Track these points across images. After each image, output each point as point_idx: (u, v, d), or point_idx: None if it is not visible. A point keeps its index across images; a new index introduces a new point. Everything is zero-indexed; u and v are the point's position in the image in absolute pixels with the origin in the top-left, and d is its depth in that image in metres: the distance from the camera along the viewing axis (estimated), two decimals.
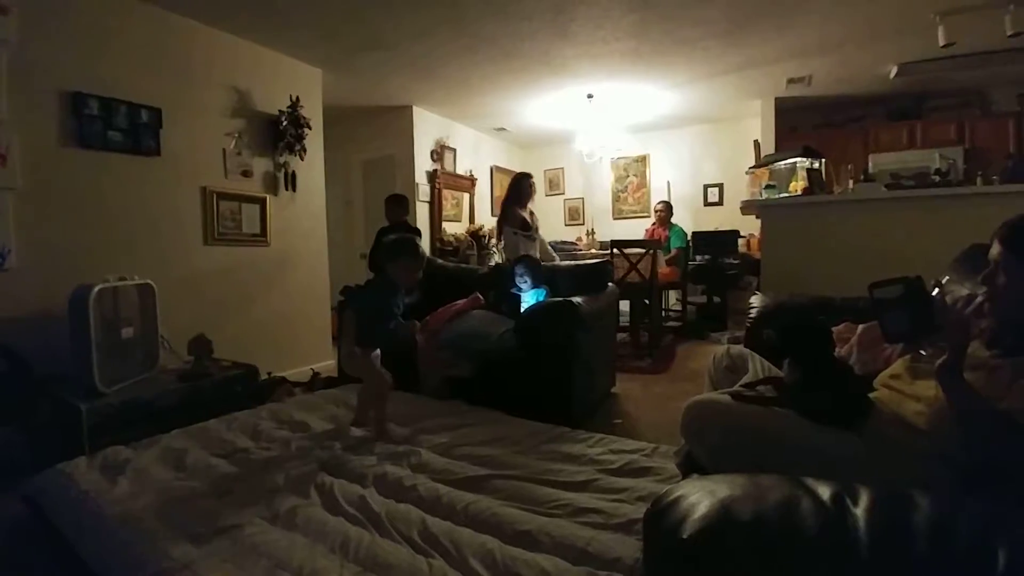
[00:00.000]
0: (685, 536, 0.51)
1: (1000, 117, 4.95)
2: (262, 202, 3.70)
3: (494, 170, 6.84)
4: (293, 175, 3.89)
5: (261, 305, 3.71)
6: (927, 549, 0.47)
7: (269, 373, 3.19)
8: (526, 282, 3.03)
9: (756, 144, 5.32)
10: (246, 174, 3.60)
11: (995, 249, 1.10)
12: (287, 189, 3.87)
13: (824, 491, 0.54)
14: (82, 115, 2.73)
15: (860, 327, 1.63)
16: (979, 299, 1.17)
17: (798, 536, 0.51)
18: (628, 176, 6.98)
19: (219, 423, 2.14)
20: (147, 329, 2.62)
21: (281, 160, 3.82)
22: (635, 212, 6.90)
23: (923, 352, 1.20)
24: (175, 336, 2.79)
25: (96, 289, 2.26)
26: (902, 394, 1.21)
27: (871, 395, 1.26)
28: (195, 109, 3.30)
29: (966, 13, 3.39)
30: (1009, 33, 3.23)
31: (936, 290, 1.22)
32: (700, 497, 0.55)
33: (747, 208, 3.83)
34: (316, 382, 3.34)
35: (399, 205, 4.11)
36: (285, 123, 3.77)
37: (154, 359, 2.66)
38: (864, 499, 0.53)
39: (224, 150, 3.47)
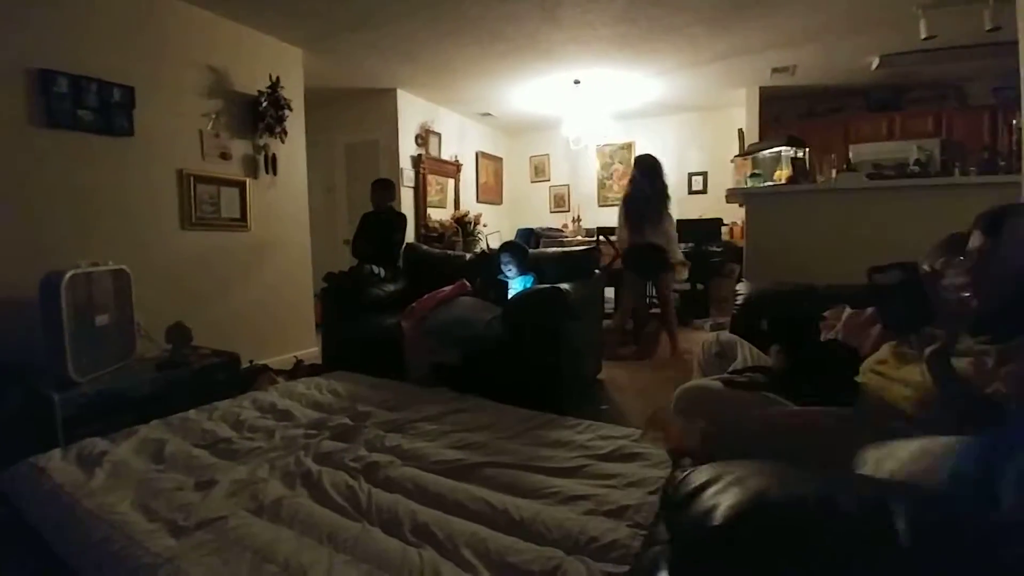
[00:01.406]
0: (718, 523, 0.51)
1: (976, 110, 5.05)
2: (241, 186, 3.60)
3: (479, 156, 6.77)
4: (274, 158, 3.78)
5: (242, 291, 3.63)
6: (975, 555, 0.47)
7: (251, 361, 3.13)
8: (512, 270, 3.01)
9: (740, 133, 5.35)
10: (224, 156, 3.49)
11: (977, 239, 1.11)
12: (268, 172, 3.77)
13: (861, 484, 0.54)
14: (51, 93, 2.60)
15: (846, 313, 1.65)
16: (957, 281, 1.19)
17: (837, 529, 0.50)
18: (613, 163, 6.97)
19: (200, 413, 2.09)
20: (122, 316, 2.54)
21: (261, 142, 3.72)
22: (620, 199, 6.89)
23: (913, 340, 1.22)
24: (152, 324, 2.71)
25: (68, 275, 2.17)
26: (889, 379, 1.23)
27: (858, 379, 1.28)
28: (171, 88, 3.18)
29: (948, 7, 3.43)
30: (988, 28, 3.28)
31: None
32: (727, 485, 0.55)
33: (732, 196, 3.85)
34: (300, 369, 3.29)
35: (385, 190, 4.04)
36: (265, 104, 3.65)
37: (130, 347, 2.58)
38: (906, 494, 0.52)
39: (201, 131, 3.36)
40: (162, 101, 3.11)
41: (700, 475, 0.59)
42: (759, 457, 0.66)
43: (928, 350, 1.04)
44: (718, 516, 0.51)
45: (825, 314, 1.56)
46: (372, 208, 4.07)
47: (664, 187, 3.83)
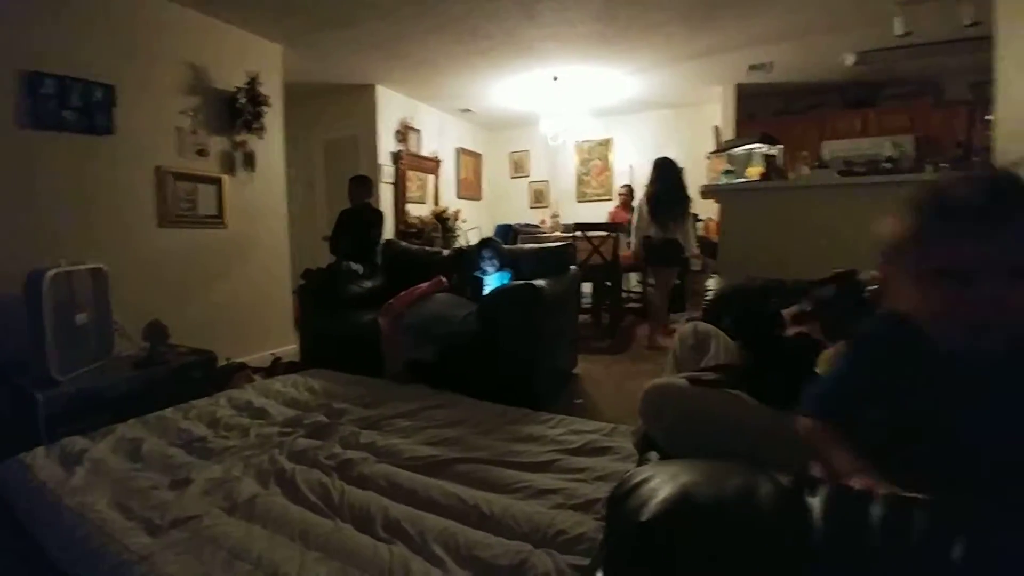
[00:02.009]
0: (644, 519, 0.53)
1: (952, 106, 5.04)
2: (219, 182, 3.57)
3: (459, 152, 6.76)
4: (251, 155, 3.75)
5: (219, 289, 3.61)
6: (881, 539, 0.49)
7: (228, 359, 3.13)
8: (493, 264, 3.04)
9: (716, 130, 5.42)
10: (202, 153, 3.46)
11: None
12: (245, 169, 3.74)
13: (783, 478, 0.57)
14: (37, 94, 2.59)
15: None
16: None
17: (754, 521, 0.53)
18: (592, 159, 7.01)
19: (176, 411, 2.10)
20: (101, 315, 2.52)
21: (239, 139, 3.68)
22: (599, 195, 6.96)
23: None
24: (130, 322, 2.69)
25: (50, 274, 2.16)
26: None
27: (817, 371, 1.33)
28: (149, 86, 3.14)
29: (924, 3, 3.47)
30: (966, 23, 3.31)
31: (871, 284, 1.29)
32: (662, 481, 0.57)
33: (707, 192, 3.91)
34: (277, 367, 3.29)
35: (362, 186, 4.03)
36: (243, 101, 3.62)
37: (109, 346, 2.57)
38: (822, 487, 0.55)
39: (179, 128, 3.32)
40: (141, 99, 3.08)
41: (639, 473, 0.62)
42: (727, 455, 0.69)
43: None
44: (646, 513, 0.53)
45: (783, 312, 1.62)
46: (350, 205, 4.07)
47: (686, 187, 4.20)
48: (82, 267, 2.41)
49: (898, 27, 3.55)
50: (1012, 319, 0.66)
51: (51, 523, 1.37)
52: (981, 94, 4.58)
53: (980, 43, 3.09)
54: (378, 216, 4.07)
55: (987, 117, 3.50)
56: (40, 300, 2.11)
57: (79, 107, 2.77)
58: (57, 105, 2.67)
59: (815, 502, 0.53)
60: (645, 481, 0.61)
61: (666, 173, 4.12)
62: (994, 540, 0.48)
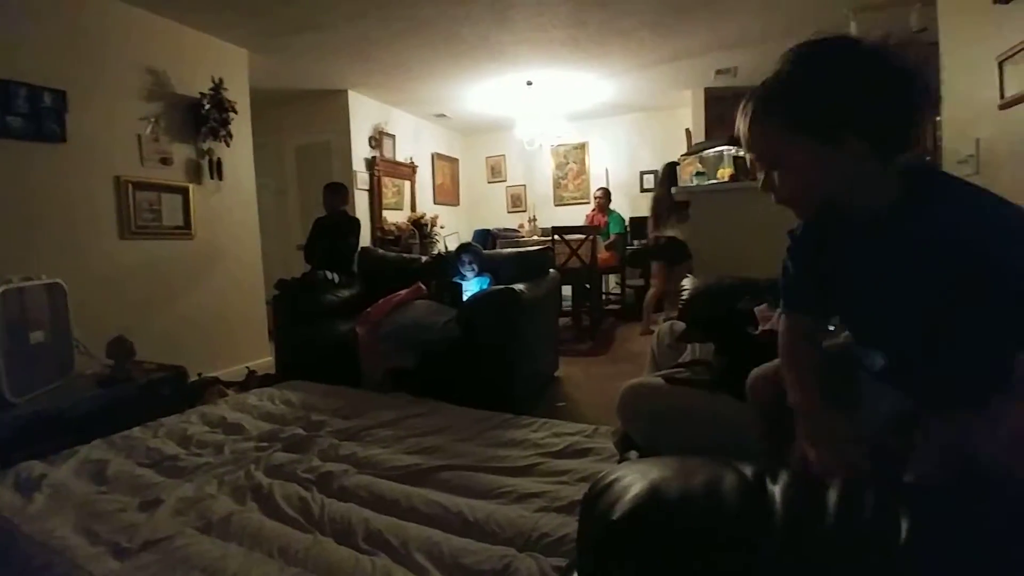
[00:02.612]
0: (615, 518, 0.54)
1: None
2: (184, 192, 3.47)
3: (435, 157, 6.73)
4: (219, 162, 3.66)
5: (188, 302, 3.51)
6: (834, 521, 0.52)
7: (199, 374, 3.03)
8: (472, 270, 3.03)
9: (687, 132, 5.53)
10: (165, 162, 3.36)
11: None
12: (212, 177, 3.65)
13: (748, 469, 0.58)
14: None
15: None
16: None
17: (720, 512, 0.54)
18: (568, 163, 7.07)
19: (144, 430, 2.02)
20: (59, 332, 2.41)
21: (204, 146, 3.59)
22: (575, 199, 7.02)
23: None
24: (93, 339, 2.58)
25: (0, 290, 2.06)
26: None
27: None
28: (105, 92, 3.03)
29: (876, 10, 3.63)
30: (915, 29, 3.47)
31: None
32: (633, 479, 0.58)
33: (680, 194, 3.98)
34: (252, 380, 3.21)
35: (337, 194, 3.98)
36: (208, 107, 3.53)
37: (68, 365, 2.46)
38: (783, 476, 0.57)
39: (139, 136, 3.22)
40: (97, 105, 2.97)
41: (612, 472, 0.62)
42: (703, 450, 0.70)
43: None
44: (617, 511, 0.54)
45: (755, 309, 1.65)
46: (325, 212, 4.01)
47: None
48: (36, 282, 2.31)
49: (853, 32, 3.69)
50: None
51: (6, 553, 1.29)
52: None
53: (927, 48, 3.24)
54: (355, 224, 4.02)
55: (937, 118, 3.68)
56: None
57: (25, 113, 2.65)
58: (0, 111, 2.55)
59: (776, 489, 0.55)
60: (617, 480, 0.61)
61: (672, 177, 4.26)
62: (937, 521, 0.51)
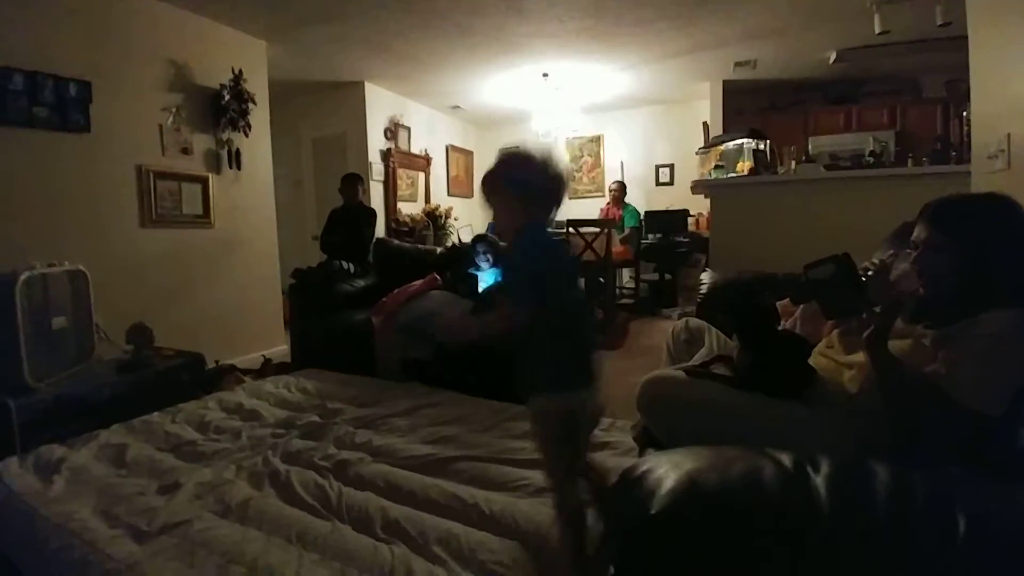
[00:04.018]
0: (654, 511, 0.52)
1: (929, 103, 5.21)
2: (204, 181, 3.50)
3: (449, 149, 6.72)
4: (237, 153, 3.69)
5: (206, 290, 3.54)
6: (886, 512, 0.49)
7: (217, 361, 3.06)
8: (487, 260, 3.01)
9: (705, 125, 5.45)
10: (186, 152, 3.39)
11: (922, 230, 1.15)
12: (231, 168, 3.67)
13: (786, 459, 0.56)
14: (6, 90, 2.50)
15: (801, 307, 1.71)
16: (904, 270, 1.25)
17: (762, 503, 0.52)
18: (583, 156, 7.01)
19: (163, 415, 2.04)
20: (80, 318, 2.45)
21: (224, 137, 3.61)
22: (590, 192, 6.96)
23: (854, 324, 1.28)
24: (113, 325, 2.62)
25: (23, 277, 2.08)
26: (836, 363, 1.29)
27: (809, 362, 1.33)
28: (128, 83, 3.06)
29: (900, 3, 3.54)
30: (939, 23, 3.39)
31: (870, 268, 1.30)
32: (667, 471, 0.56)
33: (697, 188, 3.93)
34: (268, 368, 3.23)
35: (354, 185, 3.98)
36: (227, 98, 3.55)
37: (89, 350, 2.49)
38: (824, 466, 0.55)
39: (161, 126, 3.25)
40: (120, 96, 3.00)
41: (642, 464, 0.61)
42: (725, 443, 0.68)
43: (865, 333, 1.09)
44: (654, 504, 0.52)
45: (777, 304, 1.62)
46: (341, 203, 4.01)
47: None
48: (59, 269, 2.33)
49: (877, 25, 3.60)
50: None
51: (25, 536, 1.30)
52: (955, 92, 4.77)
53: (955, 42, 3.16)
54: (372, 215, 4.03)
55: (964, 113, 3.59)
56: (13, 304, 2.02)
57: (52, 103, 2.68)
58: (28, 102, 2.59)
59: (819, 480, 0.53)
60: (649, 472, 0.60)
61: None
62: (989, 510, 0.50)
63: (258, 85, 3.82)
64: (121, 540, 1.23)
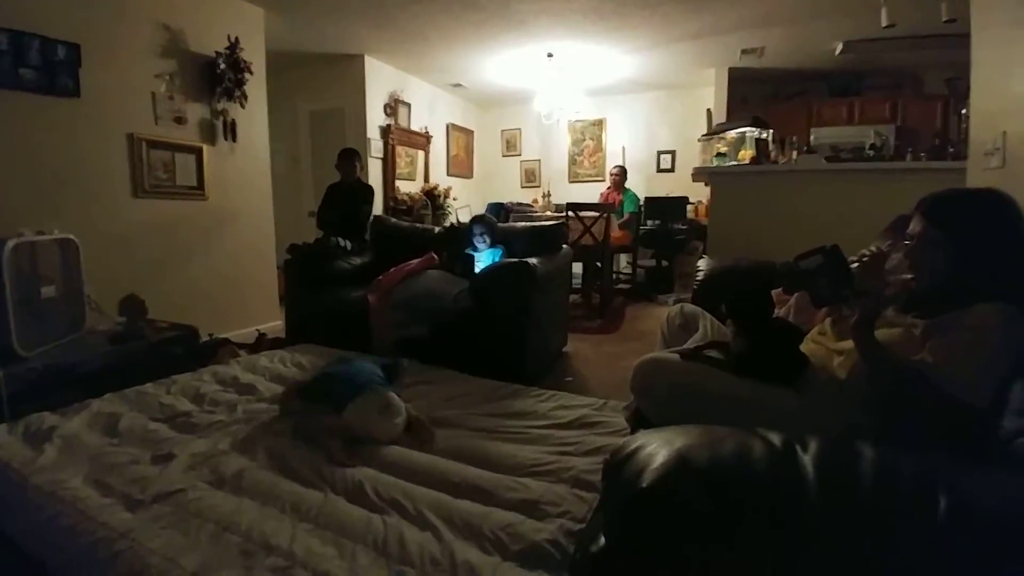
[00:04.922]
0: (644, 485, 0.53)
1: (930, 99, 5.23)
2: (198, 152, 3.44)
3: (450, 128, 6.64)
4: (233, 124, 3.62)
5: (200, 263, 3.51)
6: (871, 491, 0.50)
7: (211, 334, 3.05)
8: (484, 241, 3.00)
9: (709, 113, 5.40)
10: (179, 121, 3.33)
11: (917, 223, 1.16)
12: (226, 139, 3.61)
13: (775, 438, 0.57)
14: None
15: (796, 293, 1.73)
16: (898, 262, 1.26)
17: (751, 480, 0.53)
18: (585, 139, 6.96)
19: (157, 386, 2.03)
20: (71, 288, 2.42)
21: (219, 107, 3.55)
22: (590, 176, 6.93)
23: (845, 312, 1.30)
24: (104, 296, 2.59)
25: (10, 244, 2.04)
26: (827, 349, 1.31)
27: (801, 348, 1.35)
28: (120, 47, 2.98)
29: None
30: (944, 19, 3.37)
31: (866, 254, 1.32)
32: (658, 447, 0.57)
33: (698, 175, 3.91)
34: (262, 343, 3.22)
35: (351, 160, 3.92)
36: (223, 66, 3.47)
37: (80, 320, 2.47)
38: (812, 446, 0.56)
39: (154, 94, 3.18)
40: (111, 61, 2.92)
41: (634, 440, 0.61)
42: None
43: (852, 321, 1.11)
44: (645, 479, 0.53)
45: (772, 292, 1.63)
46: (339, 178, 3.97)
47: None
48: (48, 237, 2.30)
49: (884, 18, 3.57)
50: None
51: (15, 506, 1.29)
52: (956, 89, 4.80)
53: (956, 40, 3.15)
54: (369, 192, 3.98)
55: (963, 110, 3.59)
56: (0, 271, 1.99)
57: (38, 66, 2.59)
58: (12, 62, 2.50)
59: (807, 458, 0.54)
60: (640, 448, 0.61)
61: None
62: (971, 492, 0.51)
63: (255, 54, 3.74)
64: (114, 508, 1.22)
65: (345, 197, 3.86)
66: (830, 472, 0.53)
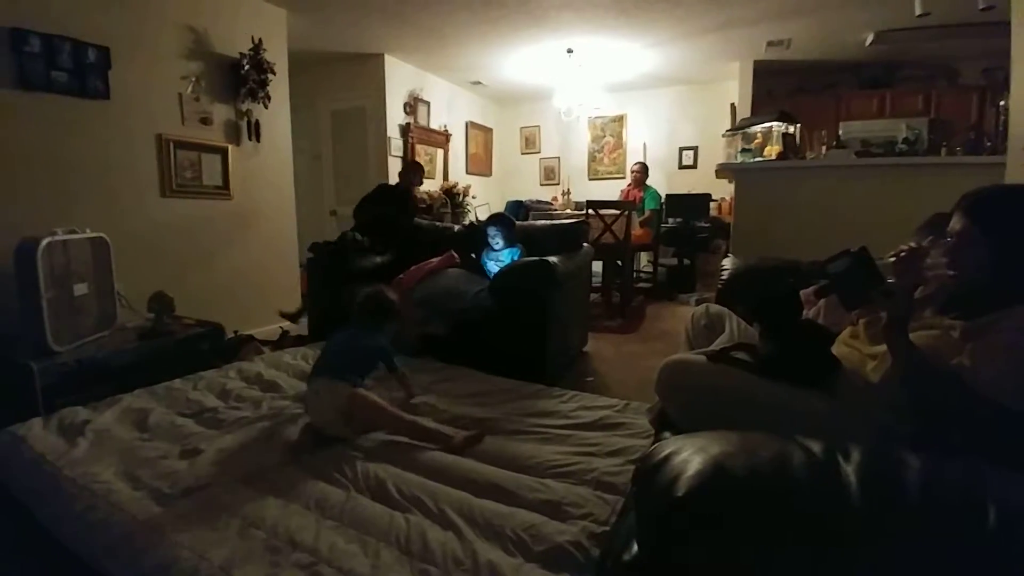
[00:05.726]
0: (680, 494, 0.51)
1: (966, 90, 5.04)
2: (223, 152, 3.50)
3: (469, 126, 6.64)
4: (257, 124, 3.68)
5: (225, 261, 3.57)
6: (918, 502, 0.48)
7: (236, 331, 3.11)
8: (498, 242, 2.99)
9: (733, 107, 5.30)
10: (205, 121, 3.39)
11: (958, 221, 1.12)
12: (251, 139, 3.67)
13: (815, 447, 0.55)
14: (22, 53, 2.49)
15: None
16: (938, 261, 1.21)
17: (792, 488, 0.51)
18: (605, 136, 6.90)
19: (185, 382, 2.07)
20: (102, 285, 2.49)
21: (243, 107, 3.60)
22: (610, 173, 6.86)
23: (881, 315, 1.25)
24: (133, 293, 2.66)
25: (44, 243, 2.11)
26: (860, 352, 1.27)
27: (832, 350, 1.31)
28: (148, 49, 3.05)
29: None
30: (981, 7, 3.24)
31: (903, 250, 1.28)
32: (692, 454, 0.55)
33: (722, 171, 3.84)
34: (285, 340, 3.27)
35: (415, 172, 4.20)
36: (247, 67, 3.52)
37: (111, 317, 2.54)
38: (855, 455, 0.54)
39: (180, 95, 3.24)
40: (138, 63, 2.99)
41: (666, 446, 0.60)
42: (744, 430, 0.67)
43: (883, 323, 1.07)
44: (681, 487, 0.51)
45: (801, 292, 1.59)
46: (398, 182, 4.11)
47: None
48: (80, 236, 2.36)
49: (917, 7, 3.45)
50: None
51: (50, 496, 1.33)
52: (994, 80, 4.62)
53: (995, 28, 3.03)
54: (416, 206, 4.10)
55: (1001, 102, 3.45)
56: (35, 269, 2.06)
57: (70, 68, 2.66)
58: (45, 65, 2.57)
59: (850, 468, 0.52)
60: (673, 454, 0.59)
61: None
62: (1021, 502, 0.49)
63: (278, 55, 3.79)
64: (144, 502, 1.25)
65: (395, 198, 3.95)
66: (874, 482, 0.51)
